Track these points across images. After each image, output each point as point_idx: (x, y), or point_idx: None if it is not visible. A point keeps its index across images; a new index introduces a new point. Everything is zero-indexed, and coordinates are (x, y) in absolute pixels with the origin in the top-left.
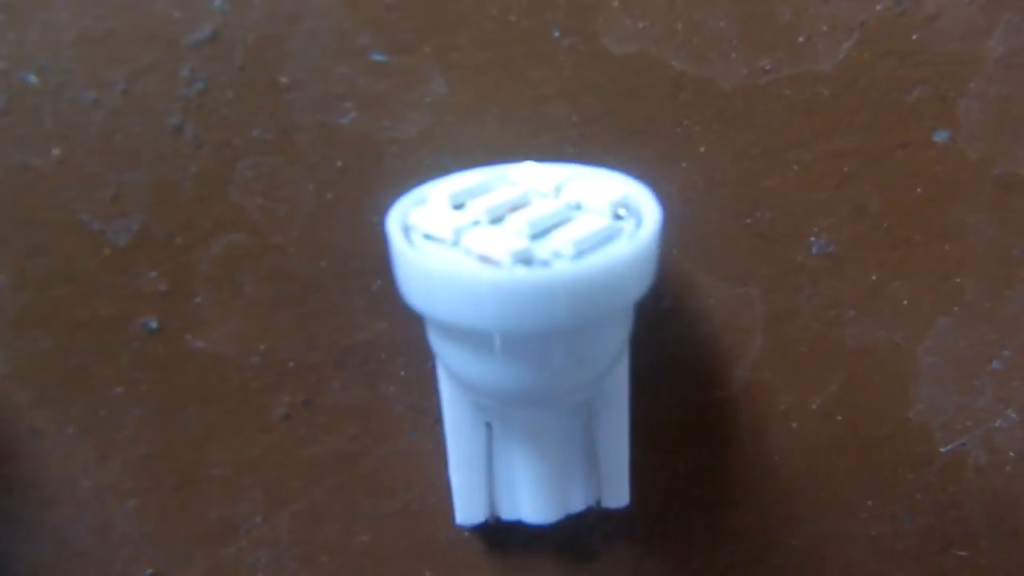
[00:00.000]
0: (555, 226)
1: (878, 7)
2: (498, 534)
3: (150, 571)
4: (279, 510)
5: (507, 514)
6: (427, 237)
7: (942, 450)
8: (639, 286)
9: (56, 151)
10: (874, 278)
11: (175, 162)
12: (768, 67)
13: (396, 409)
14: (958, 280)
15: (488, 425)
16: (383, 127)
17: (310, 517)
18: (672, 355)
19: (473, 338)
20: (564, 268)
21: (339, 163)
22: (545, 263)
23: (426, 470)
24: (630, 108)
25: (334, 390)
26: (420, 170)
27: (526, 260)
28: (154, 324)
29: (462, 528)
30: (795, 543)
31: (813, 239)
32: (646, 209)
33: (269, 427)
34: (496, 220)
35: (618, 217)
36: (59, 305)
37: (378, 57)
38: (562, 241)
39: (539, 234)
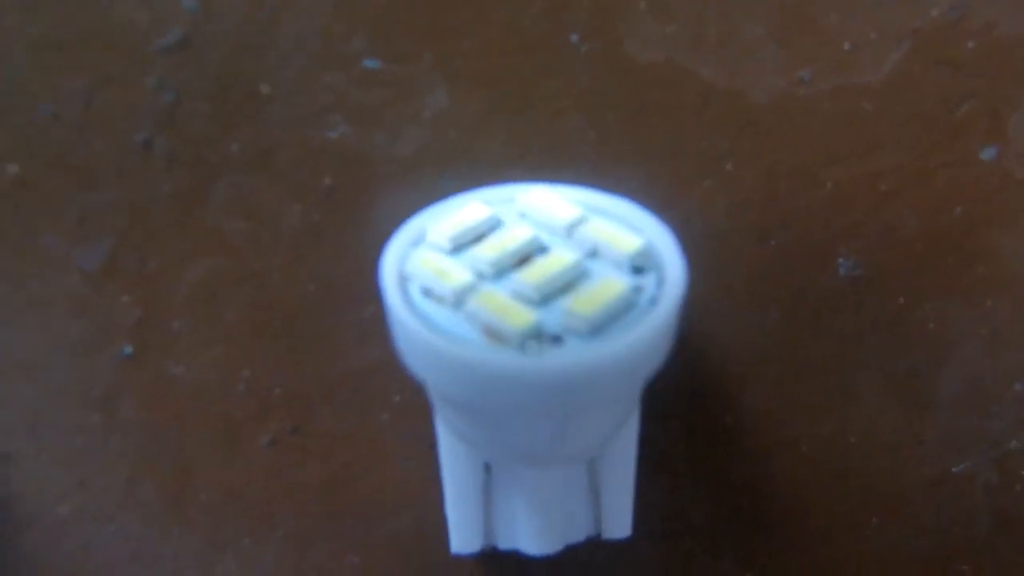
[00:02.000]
0: (568, 286)
1: (934, 12)
2: (495, 559)
3: None
4: (267, 534)
5: (504, 544)
6: (426, 293)
7: (953, 470)
8: (656, 362)
9: (12, 168)
10: (901, 301)
11: (146, 181)
12: (807, 78)
13: (389, 436)
14: (989, 304)
15: (487, 467)
16: (376, 143)
17: (299, 540)
18: (682, 380)
19: (474, 408)
20: (576, 351)
21: (327, 182)
22: (556, 338)
23: (420, 496)
24: (653, 123)
25: (323, 417)
26: (417, 191)
27: (535, 336)
28: (129, 350)
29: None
30: (801, 563)
31: (841, 261)
32: (669, 262)
33: (255, 454)
34: (501, 273)
35: (637, 271)
36: (26, 332)
37: (372, 64)
38: (575, 311)
39: (550, 296)
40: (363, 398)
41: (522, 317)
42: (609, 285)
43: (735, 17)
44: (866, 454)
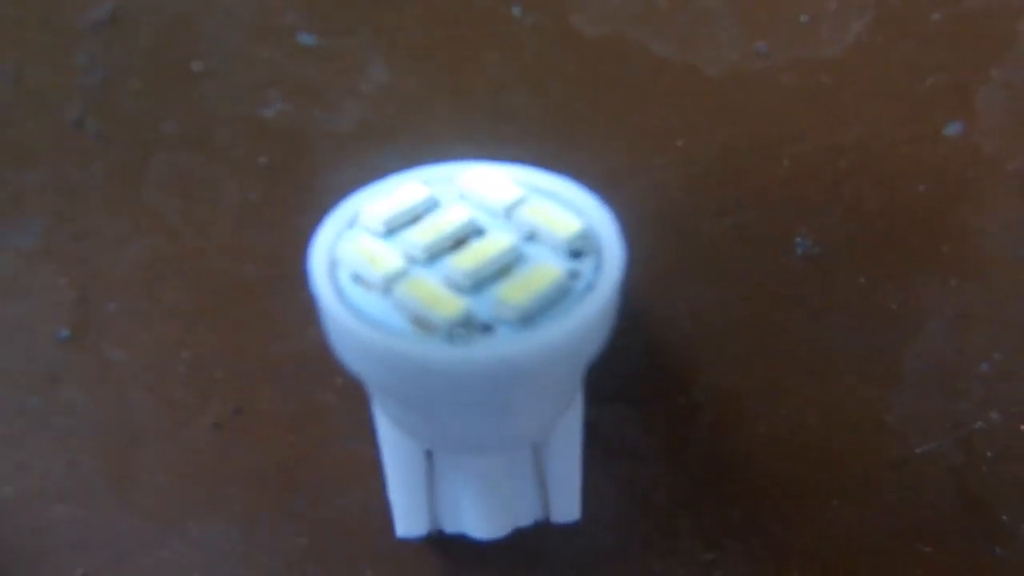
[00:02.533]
0: (501, 273)
1: None
2: (442, 542)
3: (81, 573)
4: (213, 515)
5: (450, 527)
6: (356, 279)
7: (917, 451)
8: (592, 348)
9: None
10: (863, 281)
11: (79, 160)
12: (764, 50)
13: (334, 418)
14: (954, 283)
15: (427, 452)
16: (314, 119)
17: (246, 520)
18: (634, 361)
19: (408, 399)
20: (506, 340)
21: (264, 160)
22: (486, 327)
23: (368, 476)
24: (601, 98)
25: (267, 399)
26: (357, 168)
27: (464, 324)
28: (67, 333)
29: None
30: (760, 543)
31: (799, 240)
32: (609, 246)
33: (199, 435)
34: (434, 258)
35: (575, 255)
36: None
37: (308, 40)
38: (507, 300)
39: (483, 282)
40: (306, 379)
41: (451, 305)
42: (543, 271)
43: None
44: (826, 435)
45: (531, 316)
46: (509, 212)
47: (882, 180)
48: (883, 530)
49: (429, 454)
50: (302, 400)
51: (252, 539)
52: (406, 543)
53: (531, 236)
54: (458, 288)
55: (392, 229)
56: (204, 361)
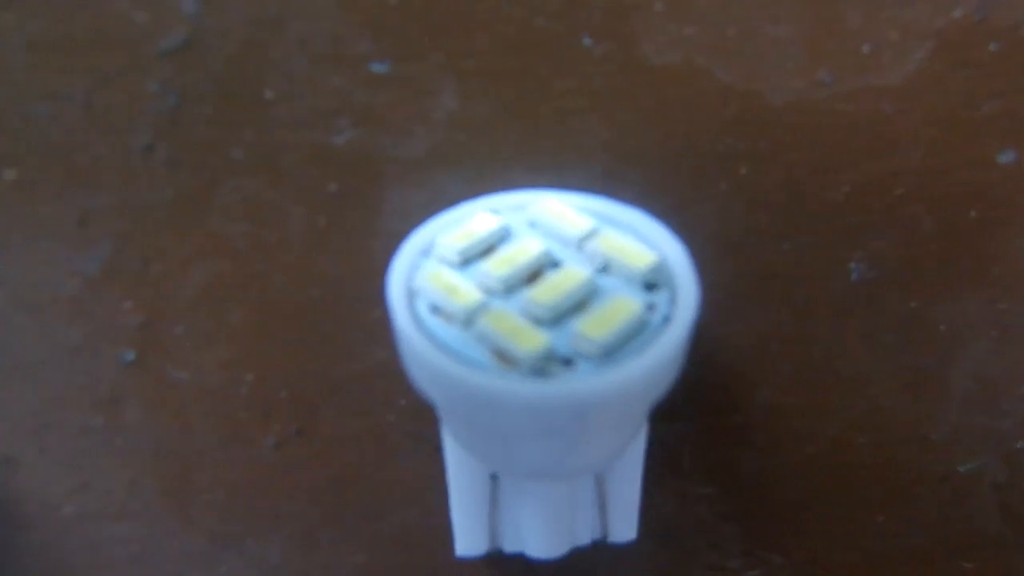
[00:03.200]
0: (579, 304)
1: (956, 13)
2: (500, 562)
3: None
4: (272, 533)
5: (510, 547)
6: (434, 310)
7: (960, 468)
8: (668, 382)
9: (10, 173)
10: (913, 305)
11: (148, 185)
12: (827, 80)
13: (395, 437)
14: (1002, 306)
15: (493, 476)
16: (383, 145)
17: (303, 538)
18: (691, 381)
19: (483, 428)
20: (588, 375)
21: (333, 187)
22: (567, 361)
23: (425, 495)
24: (668, 124)
25: (328, 419)
26: (425, 193)
27: (546, 358)
28: (131, 356)
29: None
30: (806, 559)
31: (854, 265)
32: (681, 279)
33: (259, 455)
34: (512, 289)
35: (650, 287)
36: (26, 336)
37: (379, 68)
38: (587, 335)
39: (562, 315)
40: (368, 400)
41: (534, 340)
42: (621, 305)
43: (755, 18)
44: (872, 452)
45: (611, 351)
46: (582, 243)
47: (936, 205)
48: (926, 546)
49: (494, 476)
50: (364, 421)
51: (310, 556)
52: (464, 561)
53: (605, 268)
54: (538, 321)
55: (467, 260)
56: (267, 383)
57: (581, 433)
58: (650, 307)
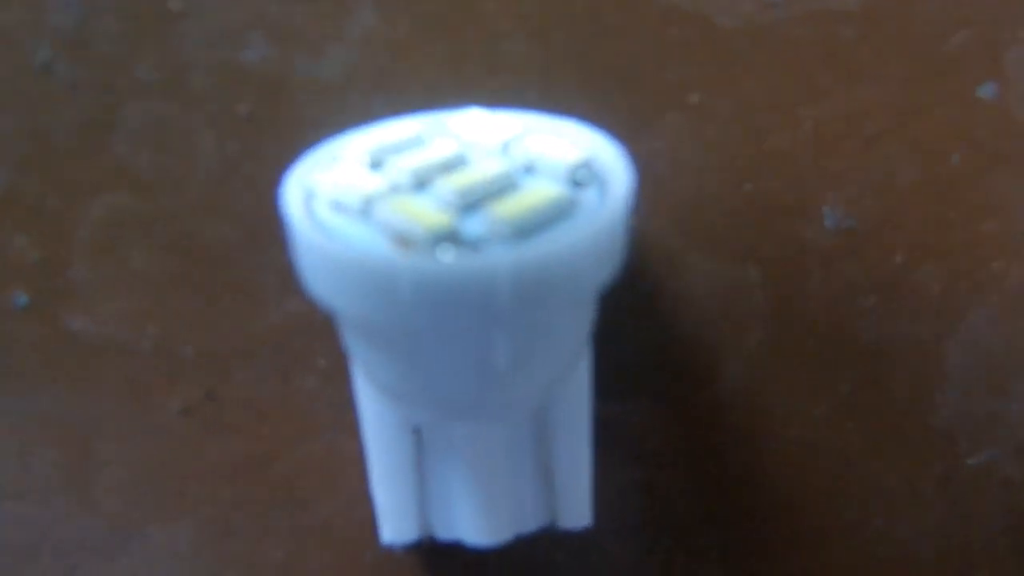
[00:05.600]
0: (494, 195)
1: None
2: (435, 553)
3: None
4: (179, 519)
5: (444, 533)
6: (334, 206)
7: (968, 462)
8: (599, 275)
9: None
10: (899, 261)
11: (46, 107)
12: (776, 0)
13: (315, 406)
14: (998, 265)
15: (416, 432)
16: (298, 65)
17: (215, 528)
18: (650, 347)
19: (390, 338)
20: (499, 254)
21: (244, 108)
22: (475, 245)
23: (350, 478)
24: (606, 48)
25: (241, 382)
26: (343, 118)
27: (450, 240)
28: (24, 299)
29: (391, 548)
30: (792, 566)
31: (828, 211)
32: (614, 174)
33: (165, 424)
34: (421, 185)
35: (577, 184)
36: None
37: None
38: (499, 216)
39: (472, 205)
40: (285, 360)
41: (435, 219)
42: (542, 191)
43: None
44: (866, 440)
45: (525, 232)
46: (506, 147)
47: (911, 147)
48: (931, 553)
49: (418, 435)
50: (280, 385)
51: (222, 550)
52: (394, 556)
53: (529, 168)
54: (446, 208)
55: (377, 162)
56: (173, 337)
57: (496, 337)
58: (575, 202)
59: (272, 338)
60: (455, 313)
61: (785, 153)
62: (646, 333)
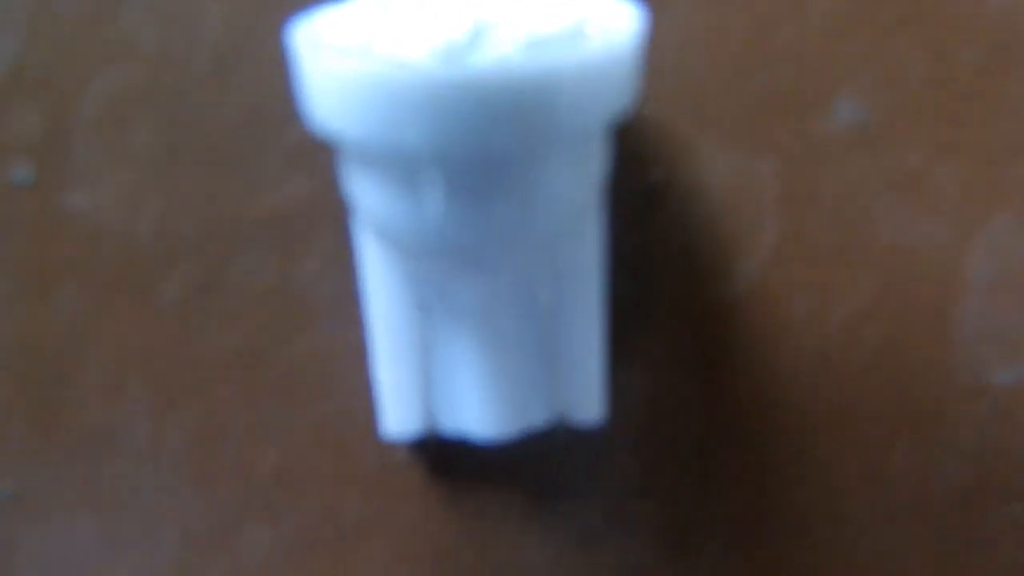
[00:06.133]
0: (503, 23)
1: None
2: (439, 459)
3: (8, 491)
4: (168, 418)
5: (449, 423)
6: (338, 49)
7: (996, 380)
8: (612, 102)
9: None
10: (914, 160)
11: None
12: None
13: (315, 293)
14: (1020, 171)
15: (421, 304)
16: None
17: (206, 428)
18: (661, 241)
19: (395, 167)
20: (509, 65)
21: None
22: (483, 59)
23: (350, 374)
24: None
25: (239, 266)
26: None
27: (457, 54)
28: (24, 175)
29: (393, 444)
30: (806, 493)
31: (841, 104)
32: (624, 17)
33: (158, 312)
34: (427, 19)
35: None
36: None
37: None
38: (509, 37)
39: (481, 29)
40: (285, 243)
41: (440, 38)
42: (550, 21)
43: None
44: (885, 350)
45: (538, 43)
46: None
47: (927, 39)
48: (961, 480)
49: (424, 319)
50: (280, 268)
51: (212, 454)
52: (394, 462)
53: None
54: (454, 30)
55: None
56: (172, 217)
57: (509, 158)
58: (585, 32)
59: (273, 220)
60: (458, 132)
61: (796, 43)
62: (655, 225)
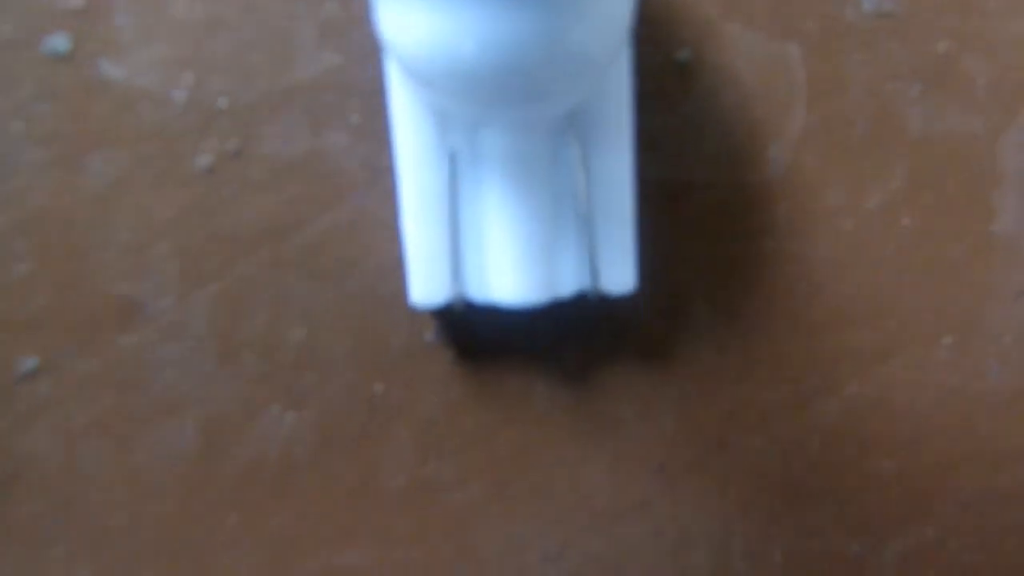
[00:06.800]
0: None
1: None
2: (466, 344)
3: (33, 361)
4: (195, 290)
5: (476, 293)
6: None
7: None
8: None
9: None
10: (942, 49)
11: None
12: None
13: (345, 165)
14: None
15: (452, 159)
16: None
17: (232, 301)
18: (690, 121)
19: None
20: None
21: None
22: None
23: (379, 248)
24: None
25: (271, 136)
26: None
27: None
28: (65, 45)
29: (420, 327)
30: (850, 388)
31: None
32: None
33: (189, 180)
34: None
35: None
36: None
37: None
38: None
39: None
40: (317, 114)
41: None
42: None
43: None
44: (923, 246)
45: None
46: None
47: None
48: (1005, 392)
49: (454, 164)
50: (312, 140)
51: (237, 328)
52: (422, 347)
53: None
54: None
55: None
56: (208, 87)
57: None
58: None
59: (305, 93)
60: None
61: None
62: (684, 105)
